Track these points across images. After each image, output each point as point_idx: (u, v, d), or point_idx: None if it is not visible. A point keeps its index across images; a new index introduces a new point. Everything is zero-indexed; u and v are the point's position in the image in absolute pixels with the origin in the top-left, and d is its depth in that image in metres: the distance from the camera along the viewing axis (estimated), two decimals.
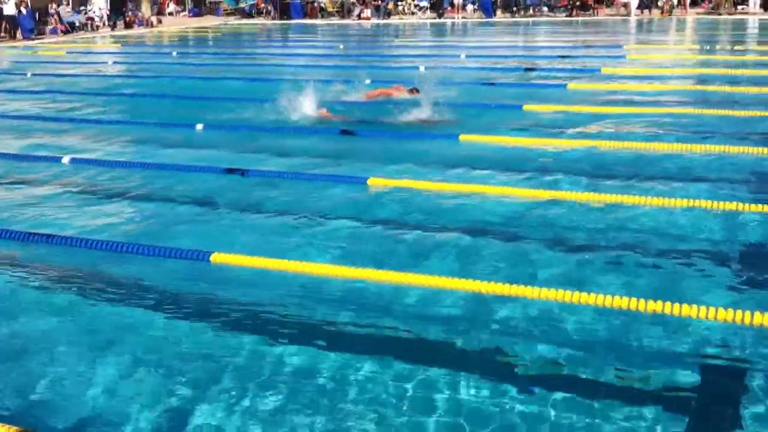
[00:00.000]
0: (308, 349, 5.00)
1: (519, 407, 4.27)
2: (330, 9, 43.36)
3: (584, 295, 5.34)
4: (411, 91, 13.48)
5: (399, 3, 42.83)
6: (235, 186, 8.93)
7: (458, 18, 39.50)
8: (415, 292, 5.75)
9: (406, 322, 5.40)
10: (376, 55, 23.83)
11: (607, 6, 37.68)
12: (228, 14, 46.85)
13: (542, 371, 4.68)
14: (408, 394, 4.43)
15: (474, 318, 5.40)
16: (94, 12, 40.00)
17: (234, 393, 4.51)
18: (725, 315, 4.97)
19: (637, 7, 36.08)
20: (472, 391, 4.44)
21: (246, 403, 4.41)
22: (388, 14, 41.50)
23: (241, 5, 46.77)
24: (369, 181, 8.64)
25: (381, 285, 5.88)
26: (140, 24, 40.70)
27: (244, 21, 43.49)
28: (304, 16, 43.05)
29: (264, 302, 5.76)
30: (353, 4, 42.57)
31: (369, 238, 7.13)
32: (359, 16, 41.68)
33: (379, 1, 41.77)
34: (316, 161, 9.91)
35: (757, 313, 4.94)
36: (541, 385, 4.49)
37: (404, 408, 4.30)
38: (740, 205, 7.27)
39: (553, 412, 4.21)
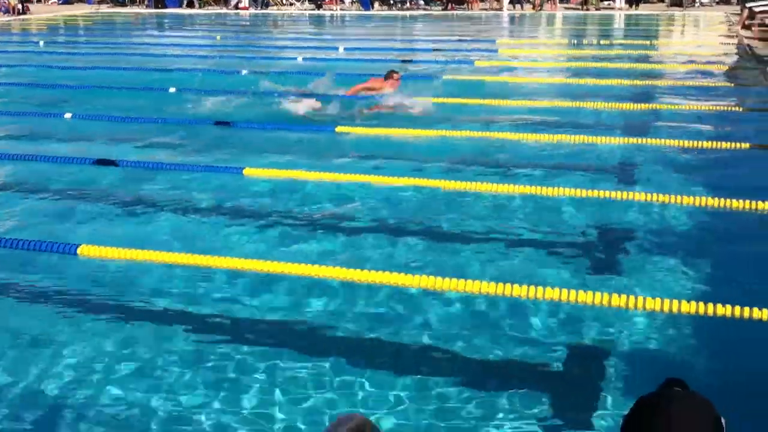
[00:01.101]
0: (182, 336, 4.99)
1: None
2: None
3: (447, 280, 5.54)
4: (389, 76, 13.03)
5: None
6: (105, 177, 8.73)
7: (337, 10, 39.56)
8: (287, 280, 5.82)
9: (272, 310, 5.46)
10: (254, 45, 23.61)
11: (481, 0, 38.50)
12: (100, 2, 45.29)
13: (398, 354, 4.84)
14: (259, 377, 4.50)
15: (345, 303, 5.51)
16: None
17: (90, 378, 4.47)
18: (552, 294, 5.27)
19: (510, 2, 37.06)
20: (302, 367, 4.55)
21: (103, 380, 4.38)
22: (266, 4, 41.13)
23: None
24: (245, 171, 8.62)
25: (255, 274, 5.91)
26: (5, 11, 38.85)
27: (117, 10, 42.15)
28: (181, 5, 42.12)
29: (132, 294, 5.69)
30: None
31: (242, 226, 7.13)
32: (237, 6, 41.11)
33: None
34: (191, 152, 9.81)
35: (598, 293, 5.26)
36: (407, 365, 4.65)
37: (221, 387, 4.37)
38: (605, 193, 7.64)
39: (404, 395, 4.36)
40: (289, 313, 5.42)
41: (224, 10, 40.40)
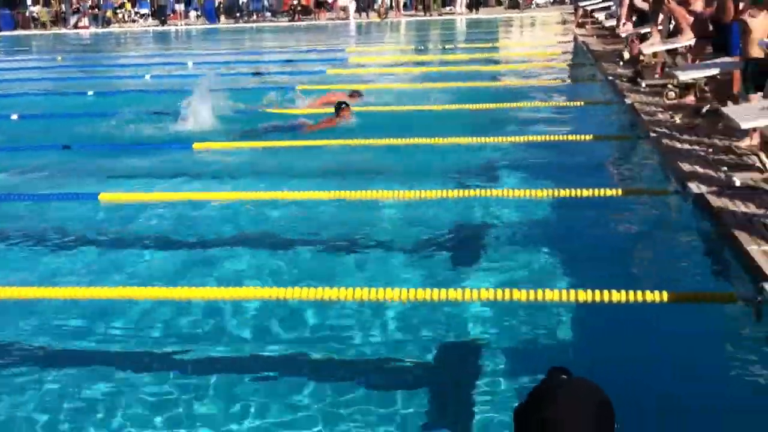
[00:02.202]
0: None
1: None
2: (44, 19, 40.81)
3: (329, 289, 5.62)
4: (351, 95, 12.99)
5: (118, 11, 41.30)
6: None
7: (182, 25, 38.91)
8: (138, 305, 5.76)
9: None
10: (98, 65, 22.93)
11: (328, 10, 38.83)
12: None
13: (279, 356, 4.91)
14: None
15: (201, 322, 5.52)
16: None
17: None
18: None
19: (355, 11, 37.58)
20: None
21: None
22: (108, 22, 39.94)
23: None
24: (100, 197, 8.39)
25: (105, 301, 5.80)
26: None
27: None
28: (16, 26, 40.25)
29: None
30: (70, 12, 40.46)
31: (100, 254, 6.96)
32: (76, 26, 39.71)
33: (97, 10, 40.05)
34: (41, 179, 9.45)
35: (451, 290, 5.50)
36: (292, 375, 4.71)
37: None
38: (454, 192, 7.91)
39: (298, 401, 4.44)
40: (149, 335, 5.36)
41: (63, 30, 38.94)
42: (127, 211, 8.13)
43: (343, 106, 11.73)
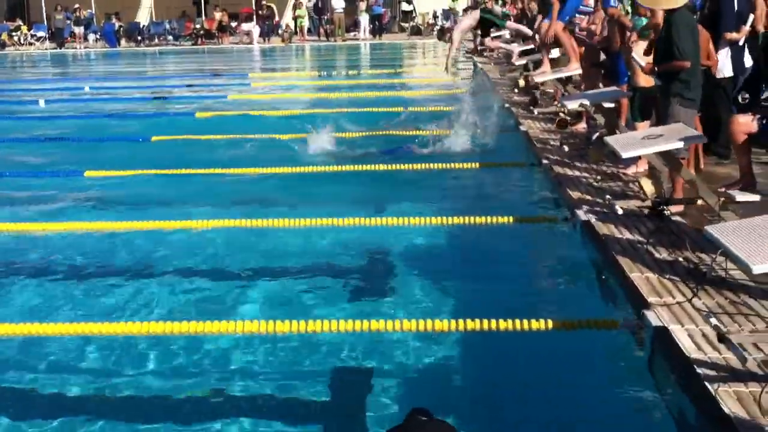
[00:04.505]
0: None
1: None
2: None
3: (224, 323, 5.55)
4: None
5: (13, 33, 40.01)
6: None
7: (81, 48, 37.97)
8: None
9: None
10: None
11: (231, 34, 38.56)
12: None
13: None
14: None
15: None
16: None
17: None
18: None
19: (259, 35, 37.44)
20: None
21: None
22: (2, 45, 38.66)
23: None
24: None
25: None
26: None
27: None
28: None
29: None
30: None
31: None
32: None
33: None
34: None
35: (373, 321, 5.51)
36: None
37: None
38: (361, 220, 7.92)
39: None
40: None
41: None
42: (12, 242, 7.86)
43: None
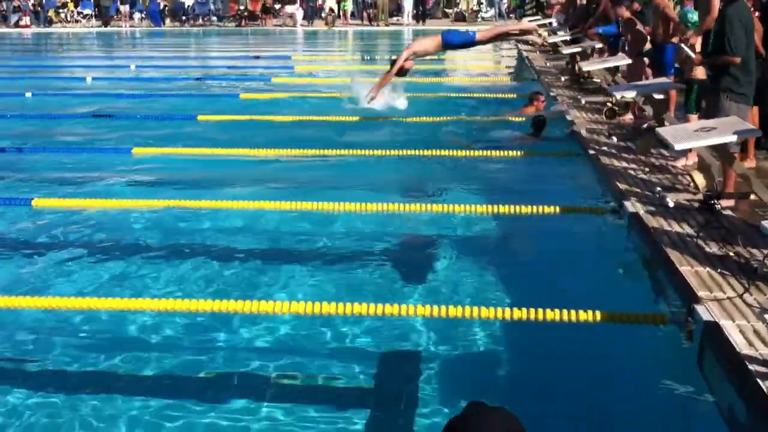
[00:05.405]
0: None
1: None
2: None
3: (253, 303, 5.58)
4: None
5: (60, 10, 40.47)
6: None
7: (126, 26, 38.29)
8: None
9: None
10: (39, 66, 22.40)
11: (275, 16, 38.59)
12: None
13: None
14: None
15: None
16: None
17: None
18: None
19: (303, 18, 37.43)
20: None
21: None
22: (50, 22, 39.11)
23: None
24: (34, 203, 8.18)
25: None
26: None
27: None
28: None
29: None
30: (11, 11, 39.49)
31: (34, 263, 6.80)
32: (18, 24, 38.78)
33: (39, 8, 39.19)
34: None
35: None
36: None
37: None
38: (402, 206, 7.91)
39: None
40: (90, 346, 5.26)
41: (3, 29, 37.99)
42: (60, 217, 7.96)
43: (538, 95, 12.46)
